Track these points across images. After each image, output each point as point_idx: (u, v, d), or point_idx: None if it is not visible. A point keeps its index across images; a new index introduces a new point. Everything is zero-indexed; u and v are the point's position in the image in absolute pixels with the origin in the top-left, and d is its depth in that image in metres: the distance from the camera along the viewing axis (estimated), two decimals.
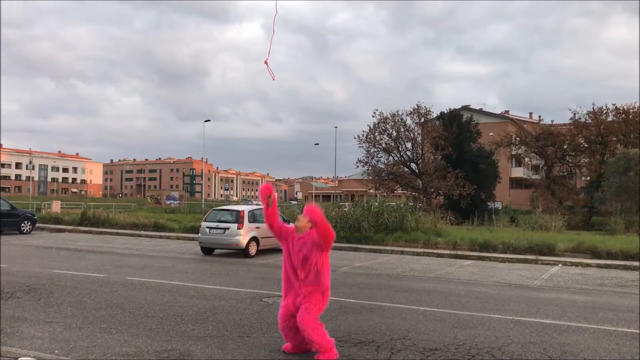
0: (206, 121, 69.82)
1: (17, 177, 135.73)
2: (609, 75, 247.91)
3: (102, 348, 6.18)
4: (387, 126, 43.55)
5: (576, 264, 16.57)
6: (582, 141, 45.55)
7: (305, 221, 5.97)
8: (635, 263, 16.30)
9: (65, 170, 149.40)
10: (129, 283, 11.03)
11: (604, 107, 44.31)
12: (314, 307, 5.94)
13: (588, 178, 46.74)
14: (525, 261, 17.08)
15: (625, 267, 15.96)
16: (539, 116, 71.64)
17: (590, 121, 44.36)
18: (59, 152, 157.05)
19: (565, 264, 16.67)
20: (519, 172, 70.89)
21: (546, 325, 8.02)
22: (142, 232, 25.13)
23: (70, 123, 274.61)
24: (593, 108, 44.47)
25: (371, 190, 46.53)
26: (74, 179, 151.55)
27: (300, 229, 6.04)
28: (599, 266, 16.31)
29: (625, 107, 43.45)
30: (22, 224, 23.86)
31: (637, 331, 7.74)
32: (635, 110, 43.16)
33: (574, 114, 45.34)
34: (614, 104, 44.31)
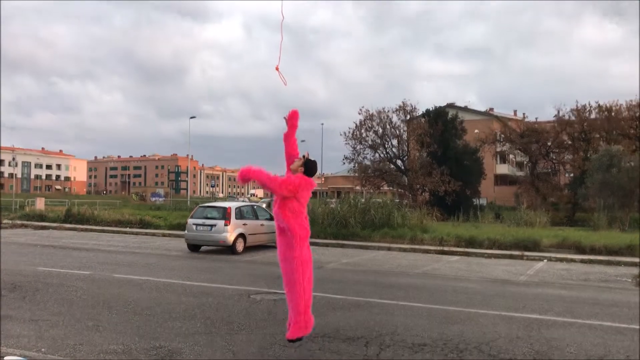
0: (192, 118, 69.74)
1: None
2: (584, 75, 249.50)
3: (89, 346, 6.13)
4: (373, 123, 43.76)
5: (561, 260, 16.73)
6: (566, 138, 45.99)
7: (297, 165, 5.81)
8: (619, 258, 16.50)
9: (48, 167, 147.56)
10: (115, 280, 10.94)
11: (587, 105, 44.88)
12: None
13: (572, 175, 47.18)
14: (511, 257, 17.21)
15: (609, 263, 16.15)
16: (523, 113, 71.86)
17: (573, 118, 44.86)
18: (42, 149, 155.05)
19: (550, 259, 16.82)
20: (503, 169, 71.34)
21: (533, 320, 8.09)
22: (128, 229, 24.93)
23: (53, 120, 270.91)
24: (577, 105, 45.05)
25: (357, 187, 46.61)
26: (58, 176, 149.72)
27: (293, 171, 5.82)
28: (583, 261, 16.49)
29: (607, 105, 44.03)
30: None
31: (623, 325, 7.84)
32: (618, 107, 43.74)
33: (558, 111, 45.88)
34: (596, 102, 44.92)
